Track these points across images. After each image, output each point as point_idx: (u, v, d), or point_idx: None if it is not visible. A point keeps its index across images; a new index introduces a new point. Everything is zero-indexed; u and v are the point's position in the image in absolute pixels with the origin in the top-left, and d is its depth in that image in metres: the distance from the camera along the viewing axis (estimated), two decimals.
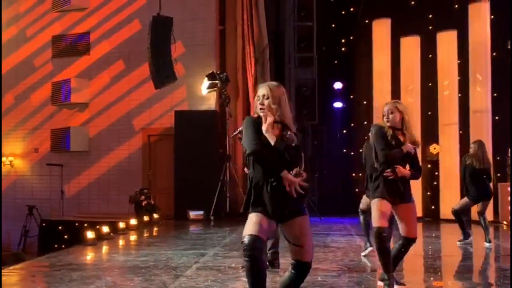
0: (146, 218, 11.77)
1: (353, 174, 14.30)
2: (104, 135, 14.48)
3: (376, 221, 5.07)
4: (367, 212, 6.75)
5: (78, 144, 14.45)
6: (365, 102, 14.22)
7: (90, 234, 8.88)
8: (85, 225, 12.08)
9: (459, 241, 8.89)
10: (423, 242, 9.91)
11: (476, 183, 8.72)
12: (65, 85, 14.56)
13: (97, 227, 9.68)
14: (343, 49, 14.97)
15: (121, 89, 14.44)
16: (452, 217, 12.59)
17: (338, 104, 14.71)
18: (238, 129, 6.44)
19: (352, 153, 14.39)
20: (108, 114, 14.50)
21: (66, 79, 14.63)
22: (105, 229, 9.62)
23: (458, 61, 13.17)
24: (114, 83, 14.51)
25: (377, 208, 5.06)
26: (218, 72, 13.12)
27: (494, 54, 13.00)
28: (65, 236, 12.66)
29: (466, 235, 8.87)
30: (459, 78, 13.17)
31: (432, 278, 6.49)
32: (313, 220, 12.91)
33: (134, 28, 14.38)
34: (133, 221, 10.95)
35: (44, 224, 13.60)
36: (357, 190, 14.14)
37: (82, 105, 14.71)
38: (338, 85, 14.60)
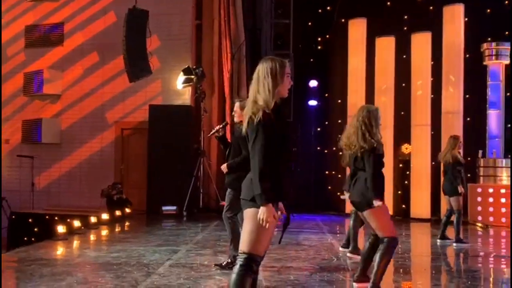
0: (118, 212, 11.68)
1: (327, 172, 14.40)
2: (76, 127, 14.30)
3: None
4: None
5: (49, 136, 14.24)
6: (339, 101, 14.31)
7: (61, 229, 8.78)
8: (56, 218, 11.95)
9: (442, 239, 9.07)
10: None
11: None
12: (38, 76, 14.32)
13: (68, 221, 9.58)
14: (319, 47, 15.03)
15: (94, 82, 14.26)
16: (422, 217, 12.88)
17: (313, 102, 14.77)
18: (216, 128, 6.43)
19: (326, 151, 14.47)
20: (81, 107, 14.32)
21: (38, 69, 14.40)
22: (76, 223, 9.52)
23: (432, 62, 13.33)
24: (88, 75, 14.32)
25: None
26: (194, 67, 13.06)
27: (467, 56, 13.19)
28: (35, 229, 12.49)
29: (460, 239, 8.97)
30: (432, 79, 13.33)
31: (401, 279, 6.58)
32: (285, 217, 12.95)
33: (109, 20, 14.21)
34: (104, 216, 10.86)
35: (13, 217, 13.39)
36: (330, 187, 14.25)
37: (55, 97, 14.50)
38: (313, 83, 14.65)
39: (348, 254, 7.43)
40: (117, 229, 10.40)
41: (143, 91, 13.79)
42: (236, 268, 3.33)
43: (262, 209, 3.21)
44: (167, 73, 13.57)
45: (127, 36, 12.06)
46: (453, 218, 8.91)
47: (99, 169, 14.00)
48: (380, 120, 5.22)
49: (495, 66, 12.81)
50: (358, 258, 7.40)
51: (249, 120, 3.33)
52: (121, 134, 14.14)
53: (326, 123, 14.71)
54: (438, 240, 9.13)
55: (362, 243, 8.54)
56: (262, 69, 3.42)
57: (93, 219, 10.32)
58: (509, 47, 12.73)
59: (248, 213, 3.33)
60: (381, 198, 4.99)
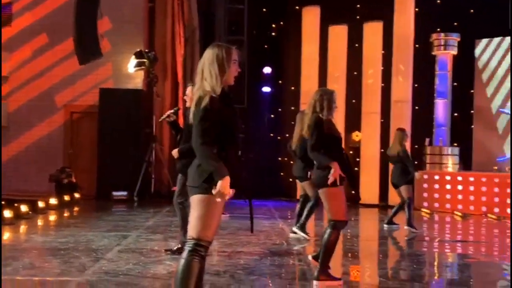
0: (66, 197, 11.48)
1: (279, 159, 14.50)
2: (24, 110, 13.92)
3: None
4: None
5: None
6: (293, 88, 14.41)
7: (7, 213, 8.57)
8: (2, 203, 11.63)
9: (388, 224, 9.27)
10: None
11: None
12: None
13: (15, 205, 9.36)
14: (273, 34, 15.06)
15: (43, 64, 13.89)
16: (371, 202, 13.16)
17: (266, 89, 14.82)
18: (167, 113, 6.38)
19: (279, 138, 14.56)
20: (29, 89, 13.93)
21: None
22: (24, 208, 9.32)
23: (383, 52, 13.56)
24: (36, 57, 13.94)
25: None
26: (146, 50, 12.88)
27: (417, 46, 13.46)
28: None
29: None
30: (382, 68, 13.57)
31: (349, 262, 6.72)
32: (238, 203, 13.01)
33: (60, 0, 13.84)
34: (53, 201, 10.66)
35: None
36: (282, 174, 14.37)
37: (2, 78, 14.05)
38: (267, 70, 14.69)
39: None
40: (66, 214, 10.23)
41: (93, 74, 13.53)
42: (184, 253, 3.34)
43: (219, 184, 3.21)
44: (118, 56, 13.34)
45: (78, 18, 11.79)
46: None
47: (47, 153, 13.69)
48: (335, 104, 5.26)
49: (444, 56, 13.12)
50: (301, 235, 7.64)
51: (196, 104, 3.34)
52: (70, 118, 13.86)
53: (280, 109, 14.80)
54: (385, 225, 9.36)
55: (313, 227, 8.69)
56: (209, 55, 3.43)
57: (41, 204, 10.12)
58: (458, 38, 13.06)
59: (194, 200, 3.34)
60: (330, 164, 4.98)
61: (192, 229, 3.33)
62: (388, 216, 9.63)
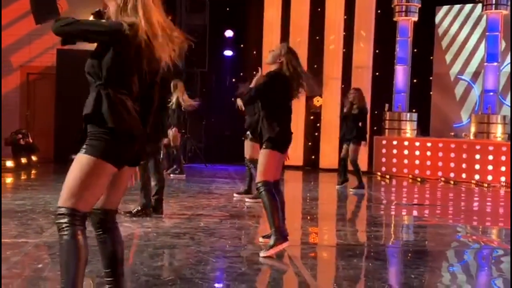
0: (24, 160, 11.25)
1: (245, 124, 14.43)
2: None
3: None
4: None
5: None
6: (255, 52, 14.31)
7: None
8: None
9: (354, 188, 9.41)
10: (302, 190, 10.35)
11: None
12: None
13: None
14: None
15: None
16: (330, 167, 13.31)
17: (228, 53, 14.68)
18: None
19: None
20: None
21: None
22: None
23: (345, 17, 13.54)
24: None
25: None
26: (104, 10, 12.52)
27: (379, 11, 13.50)
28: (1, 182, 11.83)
29: (362, 185, 9.40)
30: (344, 33, 13.58)
31: (308, 225, 6.82)
32: (198, 166, 13.03)
33: None
34: (9, 163, 10.44)
35: None
36: (243, 138, 14.34)
37: None
38: (229, 33, 14.53)
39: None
40: (23, 176, 10.06)
41: (50, 35, 12.81)
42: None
43: None
44: (76, 15, 12.87)
45: None
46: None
47: (3, 115, 13.29)
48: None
49: (404, 22, 13.20)
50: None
51: None
52: (26, 79, 13.49)
53: (241, 74, 14.69)
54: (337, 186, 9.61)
55: None
56: None
57: None
58: (419, 4, 13.13)
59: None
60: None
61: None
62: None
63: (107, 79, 2.79)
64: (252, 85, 5.17)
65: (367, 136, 9.88)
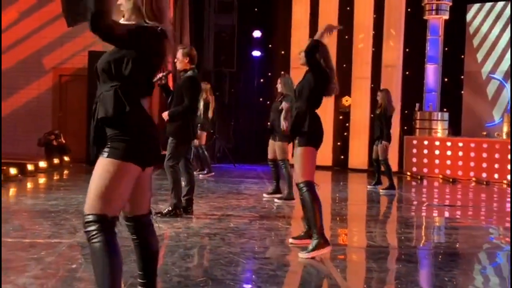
0: (56, 160, 11.44)
1: (268, 123, 14.43)
2: (12, 73, 13.73)
3: None
4: None
5: None
6: (283, 52, 14.30)
7: None
8: None
9: (384, 189, 9.36)
10: (331, 191, 10.31)
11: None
12: None
13: (4, 168, 9.32)
14: None
15: (31, 26, 13.66)
16: (359, 167, 13.24)
17: (256, 53, 14.70)
18: (158, 76, 6.34)
19: (268, 102, 14.49)
20: (16, 51, 13.73)
21: None
22: (13, 171, 9.28)
23: (374, 16, 13.45)
24: (24, 19, 13.70)
25: None
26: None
27: (409, 10, 13.37)
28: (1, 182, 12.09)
29: (392, 186, 9.35)
30: (373, 32, 13.48)
31: (338, 226, 6.79)
32: (227, 167, 13.08)
33: None
34: (42, 164, 10.62)
35: None
36: (271, 140, 14.33)
37: None
38: (257, 33, 14.55)
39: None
40: (56, 177, 10.22)
41: (82, 37, 13.33)
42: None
43: None
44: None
45: None
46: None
47: (35, 116, 13.59)
48: None
49: (435, 21, 13.05)
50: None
51: None
52: (59, 81, 13.72)
53: (269, 74, 14.70)
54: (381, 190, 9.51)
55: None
56: None
57: (30, 167, 10.08)
58: (449, 2, 12.97)
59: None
60: None
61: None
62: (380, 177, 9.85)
63: (125, 79, 2.73)
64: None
65: (391, 136, 9.75)
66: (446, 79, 13.55)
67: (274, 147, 8.20)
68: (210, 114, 10.61)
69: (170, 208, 6.38)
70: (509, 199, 9.65)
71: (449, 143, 12.26)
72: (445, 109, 13.22)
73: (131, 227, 2.95)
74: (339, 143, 13.90)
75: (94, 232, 2.65)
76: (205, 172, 10.88)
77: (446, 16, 13.02)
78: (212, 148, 13.28)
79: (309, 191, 4.82)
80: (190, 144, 6.87)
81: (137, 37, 2.70)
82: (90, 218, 2.68)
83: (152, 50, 2.77)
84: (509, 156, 11.33)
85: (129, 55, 2.72)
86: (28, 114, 13.68)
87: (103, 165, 2.70)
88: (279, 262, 4.68)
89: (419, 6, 13.22)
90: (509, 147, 11.28)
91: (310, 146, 4.88)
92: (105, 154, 2.70)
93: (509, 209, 8.72)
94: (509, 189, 10.51)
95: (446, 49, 13.41)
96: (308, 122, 4.89)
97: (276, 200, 7.94)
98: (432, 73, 13.12)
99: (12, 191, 8.27)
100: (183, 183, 6.51)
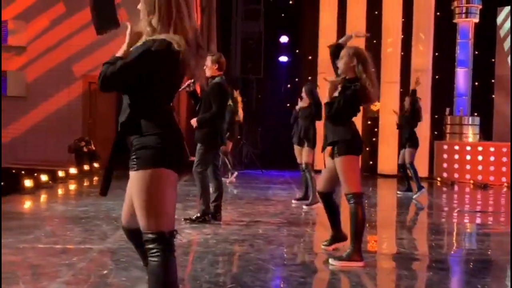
0: (86, 167, 11.58)
1: (294, 129, 14.41)
2: (42, 80, 13.98)
3: None
4: None
5: (15, 89, 13.91)
6: (310, 57, 14.26)
7: (28, 182, 8.68)
8: (22, 172, 11.78)
9: (415, 194, 9.25)
10: None
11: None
12: (2, 26, 13.88)
13: (35, 175, 9.47)
14: (290, 2, 14.86)
15: (61, 33, 13.89)
16: (389, 172, 13.11)
17: (283, 58, 14.69)
18: (186, 83, 6.35)
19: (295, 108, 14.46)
20: (46, 59, 13.96)
21: (2, 20, 13.94)
22: (44, 177, 9.42)
23: (402, 20, 13.33)
24: (54, 27, 13.93)
25: None
26: None
27: (438, 13, 13.22)
28: (1, 183, 12.31)
29: (421, 186, 9.27)
30: (402, 36, 13.37)
31: (367, 233, 6.71)
32: (254, 173, 13.07)
33: None
34: (72, 170, 10.76)
35: None
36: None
37: (20, 49, 14.09)
38: (284, 39, 14.54)
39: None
40: (86, 183, 10.34)
41: (111, 44, 13.46)
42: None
43: None
44: (135, 26, 13.25)
45: None
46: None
47: (66, 123, 13.78)
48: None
49: (465, 24, 12.88)
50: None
51: None
52: (88, 88, 13.90)
53: (297, 79, 14.68)
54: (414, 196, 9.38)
55: None
56: None
57: (60, 173, 10.22)
58: (479, 5, 12.80)
59: None
60: None
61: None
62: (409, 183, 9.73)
63: (146, 90, 2.69)
64: (327, 95, 4.85)
65: (418, 141, 9.60)
66: (476, 83, 13.35)
67: (301, 151, 8.18)
68: (239, 118, 10.66)
69: (198, 214, 6.39)
70: None
71: (480, 148, 12.07)
72: (475, 114, 13.02)
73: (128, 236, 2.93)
74: (367, 149, 13.78)
75: (153, 250, 2.61)
76: (227, 176, 10.83)
77: (476, 19, 12.84)
78: (240, 154, 13.30)
79: (356, 203, 4.73)
80: (218, 150, 6.88)
81: (146, 64, 2.65)
82: (149, 237, 2.62)
83: (166, 72, 2.70)
84: None
85: (154, 66, 2.67)
86: (58, 121, 13.89)
87: (137, 179, 2.62)
88: (308, 269, 4.65)
89: (448, 10, 13.06)
90: None
91: (351, 154, 4.76)
92: (134, 168, 2.63)
93: None
94: None
95: (476, 52, 13.22)
96: (345, 129, 4.79)
97: (304, 206, 7.90)
98: (462, 77, 12.94)
99: (43, 197, 8.38)
100: (211, 189, 6.52)
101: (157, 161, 2.61)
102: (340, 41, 5.07)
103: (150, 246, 2.62)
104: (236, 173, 10.88)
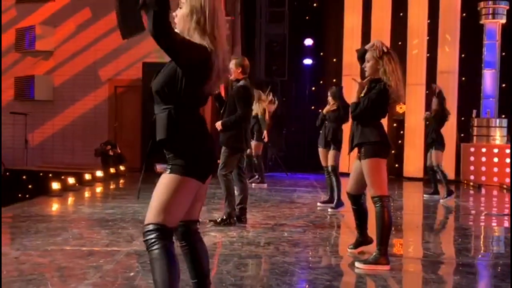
0: (112, 170, 11.70)
1: (320, 132, 14.35)
2: (69, 84, 14.18)
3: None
4: None
5: (42, 93, 14.13)
6: (335, 60, 14.21)
7: (55, 185, 8.80)
8: (50, 175, 11.95)
9: (444, 198, 9.15)
10: None
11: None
12: (30, 32, 14.11)
13: (62, 178, 9.60)
14: (314, 4, 14.83)
15: (87, 38, 14.08)
16: (415, 175, 12.98)
17: (308, 61, 14.67)
18: None
19: (320, 111, 14.38)
20: (73, 63, 14.17)
21: (30, 25, 14.18)
22: (71, 180, 9.54)
23: (428, 21, 13.21)
24: (80, 32, 14.13)
25: None
26: None
27: (464, 14, 13.07)
28: (29, 186, 12.51)
29: (450, 191, 9.18)
30: (428, 38, 13.24)
31: (393, 236, 6.65)
32: (279, 175, 13.06)
33: None
34: (99, 173, 10.88)
35: (8, 174, 13.40)
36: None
37: (47, 53, 14.32)
38: (308, 42, 14.52)
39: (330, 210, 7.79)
40: (112, 186, 10.44)
41: (136, 48, 13.63)
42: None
43: None
44: None
45: None
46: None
47: (92, 126, 13.96)
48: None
49: (492, 25, 12.71)
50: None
51: None
52: (114, 92, 14.05)
53: (321, 82, 14.63)
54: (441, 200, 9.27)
55: None
56: None
57: (87, 176, 10.34)
58: (507, 6, 12.62)
59: None
60: None
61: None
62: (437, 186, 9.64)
63: (179, 99, 2.81)
64: (355, 96, 4.84)
65: (444, 143, 9.49)
66: (503, 85, 13.15)
67: (326, 154, 8.14)
68: (266, 119, 10.70)
69: (224, 217, 6.41)
70: None
71: (508, 150, 11.89)
72: (503, 116, 12.83)
73: (180, 233, 2.98)
74: (393, 151, 13.66)
75: (153, 240, 2.73)
76: (258, 180, 10.88)
77: (503, 20, 12.67)
78: (264, 157, 13.29)
79: (382, 206, 4.69)
80: (243, 153, 6.89)
81: (189, 49, 2.76)
82: (150, 227, 2.76)
83: (201, 64, 2.79)
84: None
85: (180, 73, 2.80)
86: (85, 125, 14.07)
87: (166, 180, 2.79)
88: (334, 272, 4.63)
89: (475, 11, 12.90)
90: None
91: (378, 157, 4.73)
92: (168, 171, 2.80)
93: None
94: None
95: (504, 54, 13.03)
96: (373, 131, 4.76)
97: (329, 209, 7.87)
98: (489, 79, 12.76)
99: (70, 200, 8.49)
100: (236, 192, 6.53)
101: (187, 172, 2.78)
102: (366, 46, 5.03)
103: (150, 236, 2.73)
104: (265, 184, 10.86)
